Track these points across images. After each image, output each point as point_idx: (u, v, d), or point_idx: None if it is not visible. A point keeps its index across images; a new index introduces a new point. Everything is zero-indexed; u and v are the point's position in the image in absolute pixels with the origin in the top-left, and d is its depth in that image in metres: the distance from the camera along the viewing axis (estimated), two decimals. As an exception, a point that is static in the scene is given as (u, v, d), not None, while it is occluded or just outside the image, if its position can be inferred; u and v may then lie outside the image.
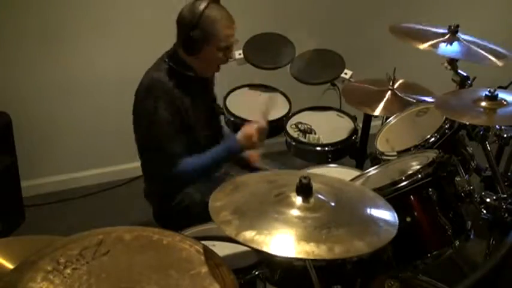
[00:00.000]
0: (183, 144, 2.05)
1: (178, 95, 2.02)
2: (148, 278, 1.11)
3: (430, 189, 1.68)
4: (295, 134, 2.61)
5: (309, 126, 2.65)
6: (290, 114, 2.75)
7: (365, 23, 3.37)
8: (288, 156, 2.68)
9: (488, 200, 1.95)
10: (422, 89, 2.60)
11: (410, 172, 1.71)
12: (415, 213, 1.68)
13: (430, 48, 2.26)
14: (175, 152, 2.02)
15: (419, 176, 1.67)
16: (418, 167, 1.73)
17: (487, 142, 2.10)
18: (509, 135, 2.14)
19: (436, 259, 1.67)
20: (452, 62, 2.34)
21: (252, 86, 2.92)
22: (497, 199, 1.96)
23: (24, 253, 1.17)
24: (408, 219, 1.66)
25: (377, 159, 2.14)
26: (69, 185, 3.12)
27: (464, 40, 2.32)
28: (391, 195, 1.62)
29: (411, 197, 1.68)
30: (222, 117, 2.72)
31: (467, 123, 2.05)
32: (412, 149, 2.05)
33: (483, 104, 1.94)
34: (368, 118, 2.74)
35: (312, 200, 1.33)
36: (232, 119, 2.68)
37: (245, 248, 1.59)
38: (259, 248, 1.20)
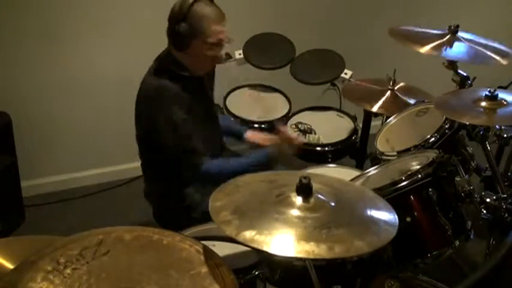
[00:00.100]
0: (203, 141, 2.05)
1: (183, 96, 2.01)
2: (148, 278, 1.11)
3: (430, 189, 1.68)
4: (295, 134, 2.61)
5: (309, 126, 2.65)
6: (290, 114, 2.75)
7: (365, 23, 3.37)
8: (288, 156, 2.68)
9: (488, 200, 1.95)
10: (422, 93, 2.60)
11: (410, 172, 1.71)
12: (415, 213, 1.68)
13: (431, 51, 2.25)
14: (199, 149, 2.02)
15: (419, 176, 1.67)
16: (418, 167, 1.73)
17: (487, 142, 2.10)
18: (509, 135, 2.14)
19: (436, 259, 1.67)
20: (452, 62, 2.35)
21: (252, 86, 2.92)
22: (497, 199, 1.95)
23: (24, 253, 1.17)
24: (408, 219, 1.66)
25: (377, 159, 2.14)
26: (69, 185, 3.12)
27: (466, 40, 2.32)
28: (391, 195, 1.62)
29: (411, 197, 1.68)
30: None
31: (467, 123, 2.05)
32: (412, 149, 2.05)
33: (483, 104, 1.94)
34: (368, 118, 2.74)
35: (312, 200, 1.33)
36: (232, 119, 2.68)
37: (245, 248, 1.59)
38: (260, 247, 1.20)
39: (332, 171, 2.32)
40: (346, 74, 2.82)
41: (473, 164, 2.13)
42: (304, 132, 2.62)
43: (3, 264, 1.23)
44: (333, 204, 1.35)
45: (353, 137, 2.60)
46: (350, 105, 2.67)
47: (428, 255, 1.67)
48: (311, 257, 1.18)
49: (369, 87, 2.64)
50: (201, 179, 2.07)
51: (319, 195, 1.36)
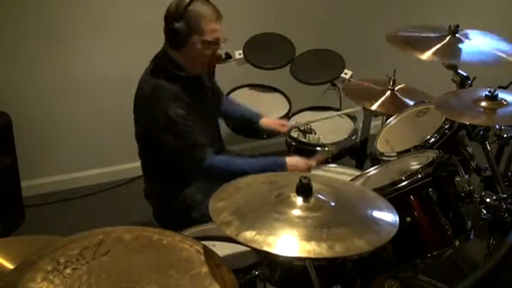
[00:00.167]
0: (204, 134, 2.05)
1: (180, 95, 2.01)
2: (148, 278, 1.11)
3: (430, 189, 1.68)
4: (295, 134, 2.61)
5: (309, 126, 2.65)
6: (290, 114, 2.75)
7: (365, 23, 3.37)
8: (288, 156, 2.68)
9: (488, 200, 1.95)
10: (422, 93, 2.59)
11: (410, 172, 1.71)
12: (415, 213, 1.68)
13: (433, 57, 2.21)
14: (201, 142, 2.02)
15: (419, 176, 1.67)
16: (418, 167, 1.73)
17: (487, 142, 2.09)
18: (509, 135, 2.14)
19: (436, 259, 1.67)
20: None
21: (252, 86, 2.92)
22: (497, 199, 1.95)
23: (24, 253, 1.17)
24: (408, 219, 1.66)
25: (377, 159, 2.14)
26: (69, 185, 3.12)
27: (467, 40, 2.29)
28: (391, 195, 1.62)
29: (411, 197, 1.68)
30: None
31: (467, 123, 2.04)
32: (412, 149, 2.05)
33: (483, 104, 1.94)
34: (368, 118, 2.74)
35: (312, 200, 1.34)
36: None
37: (245, 248, 1.59)
38: (260, 248, 1.20)
39: (332, 171, 2.32)
40: (346, 74, 2.82)
41: (473, 164, 2.13)
42: (304, 132, 2.62)
43: (3, 264, 1.23)
44: (333, 204, 1.36)
45: (353, 137, 2.60)
46: (350, 105, 2.66)
47: (428, 255, 1.67)
48: (312, 256, 1.19)
49: (369, 87, 2.64)
50: (205, 173, 2.06)
51: (319, 195, 1.36)
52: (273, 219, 1.28)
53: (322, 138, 2.58)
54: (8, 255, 1.25)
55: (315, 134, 2.61)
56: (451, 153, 1.80)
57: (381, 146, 2.22)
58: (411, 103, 2.47)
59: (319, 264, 1.50)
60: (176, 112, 1.97)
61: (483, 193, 1.97)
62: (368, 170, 2.00)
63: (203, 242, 1.26)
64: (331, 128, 2.66)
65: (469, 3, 3.57)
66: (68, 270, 1.11)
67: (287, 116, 2.73)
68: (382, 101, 2.52)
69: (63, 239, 1.21)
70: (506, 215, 1.94)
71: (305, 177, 1.34)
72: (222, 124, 2.53)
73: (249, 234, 1.22)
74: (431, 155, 1.78)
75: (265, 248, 1.20)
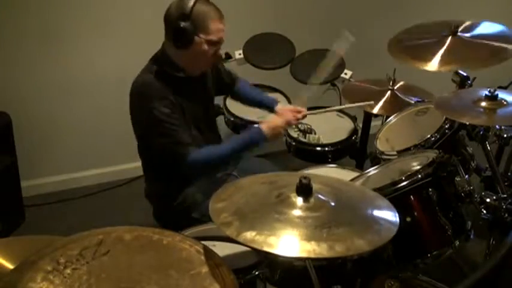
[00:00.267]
0: (189, 133, 2.05)
1: (168, 95, 2.01)
2: (148, 278, 1.11)
3: (430, 189, 1.67)
4: (295, 134, 2.61)
5: (309, 126, 2.65)
6: (290, 114, 2.75)
7: (365, 23, 3.37)
8: (288, 156, 2.68)
9: (488, 200, 1.95)
10: (422, 91, 2.60)
11: (410, 172, 1.71)
12: (415, 213, 1.68)
13: (440, 67, 2.17)
14: (185, 141, 2.01)
15: (419, 176, 1.67)
16: (418, 167, 1.73)
17: (487, 142, 2.09)
18: (509, 135, 2.14)
19: (436, 259, 1.67)
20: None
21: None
22: (497, 199, 1.95)
23: (24, 253, 1.17)
24: (408, 219, 1.65)
25: (377, 159, 2.14)
26: (69, 185, 3.12)
27: (469, 38, 2.27)
28: (391, 195, 1.62)
29: (411, 197, 1.68)
30: (221, 117, 2.72)
31: (467, 123, 2.04)
32: (412, 148, 2.05)
33: (483, 104, 1.94)
34: (368, 118, 2.74)
35: (312, 200, 1.34)
36: (232, 119, 2.68)
37: (245, 248, 1.59)
38: (260, 248, 1.20)
39: (332, 171, 2.32)
40: (346, 74, 2.82)
41: (473, 164, 2.13)
42: (304, 132, 2.62)
43: (3, 264, 1.23)
44: (333, 204, 1.36)
45: (353, 137, 2.60)
46: (349, 103, 2.66)
47: (428, 255, 1.67)
48: (312, 256, 1.18)
49: (369, 88, 2.64)
50: (189, 169, 2.05)
51: (319, 195, 1.36)
52: (273, 220, 1.28)
53: (322, 138, 2.58)
54: (8, 255, 1.25)
55: (315, 134, 2.62)
56: (451, 153, 1.80)
57: (381, 144, 2.22)
58: (411, 100, 2.47)
59: (319, 264, 1.50)
60: (161, 111, 1.98)
61: (483, 193, 1.97)
62: (368, 170, 2.00)
63: (203, 242, 1.26)
64: (331, 128, 2.66)
65: (470, 3, 3.57)
66: (68, 270, 1.11)
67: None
68: (383, 103, 2.52)
69: (63, 239, 1.21)
70: (506, 215, 1.94)
71: (305, 178, 1.34)
72: (222, 124, 2.53)
73: (249, 235, 1.22)
74: (432, 155, 1.78)
75: (266, 249, 1.20)
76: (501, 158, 2.54)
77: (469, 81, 2.34)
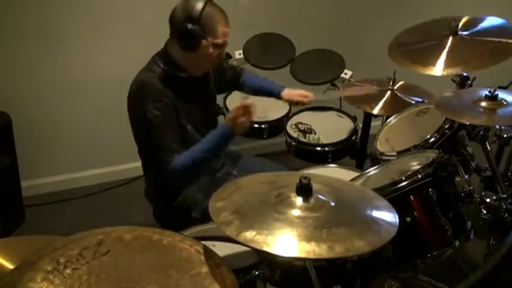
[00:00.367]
0: (178, 140, 2.04)
1: (168, 96, 2.01)
2: (148, 278, 1.11)
3: (430, 189, 1.67)
4: (295, 134, 2.61)
5: (309, 126, 2.65)
6: (290, 114, 2.75)
7: (365, 23, 3.37)
8: (288, 156, 2.68)
9: (488, 200, 1.95)
10: (422, 92, 2.60)
11: (410, 172, 1.71)
12: (415, 213, 1.68)
13: (446, 71, 2.15)
14: (170, 148, 2.01)
15: (419, 176, 1.67)
16: (418, 167, 1.73)
17: (487, 142, 2.09)
18: (509, 135, 2.14)
19: (436, 259, 1.67)
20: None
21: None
22: (497, 199, 1.95)
23: (24, 253, 1.17)
24: (408, 219, 1.65)
25: (377, 159, 2.14)
26: (69, 185, 3.12)
27: (470, 36, 2.25)
28: (391, 195, 1.62)
29: (411, 197, 1.68)
30: (221, 117, 2.72)
31: (467, 123, 2.04)
32: (412, 149, 2.04)
33: (483, 104, 1.94)
34: (368, 118, 2.74)
35: (312, 200, 1.34)
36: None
37: (245, 248, 1.59)
38: (260, 248, 1.20)
39: (332, 171, 2.32)
40: (346, 74, 2.82)
41: (473, 164, 2.12)
42: (304, 132, 2.62)
43: (3, 264, 1.23)
44: (333, 204, 1.35)
45: (353, 137, 2.60)
46: (350, 105, 2.67)
47: (428, 255, 1.67)
48: (312, 256, 1.18)
49: (369, 87, 2.64)
50: (169, 176, 2.05)
51: (319, 195, 1.36)
52: (273, 219, 1.28)
53: (322, 138, 2.58)
54: (8, 255, 1.25)
55: (315, 134, 2.62)
56: (451, 153, 1.80)
57: (381, 145, 2.22)
58: (411, 100, 2.47)
59: (319, 264, 1.50)
60: (153, 113, 1.98)
61: (483, 193, 1.97)
62: (368, 170, 2.00)
63: (203, 242, 1.26)
64: (331, 128, 2.66)
65: (470, 3, 3.56)
66: (68, 270, 1.11)
67: (287, 116, 2.74)
68: (383, 103, 2.52)
69: (63, 239, 1.21)
70: (506, 215, 1.94)
71: (305, 178, 1.34)
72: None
73: (249, 234, 1.22)
74: (432, 155, 1.77)
75: (265, 248, 1.19)
76: (501, 158, 2.54)
77: (469, 81, 2.34)
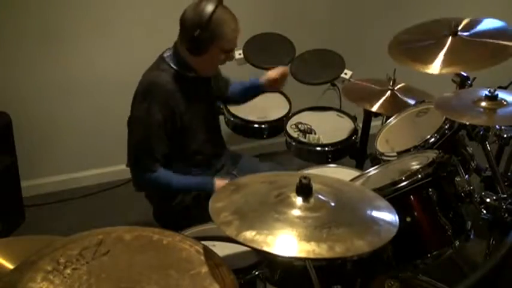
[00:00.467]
0: (167, 148, 2.06)
1: (176, 97, 2.02)
2: (148, 278, 1.11)
3: (430, 189, 1.67)
4: (295, 134, 2.61)
5: (309, 126, 2.65)
6: (290, 114, 2.75)
7: (365, 23, 3.37)
8: (288, 156, 2.68)
9: (488, 200, 1.95)
10: (422, 93, 2.59)
11: (410, 172, 1.71)
12: (415, 213, 1.68)
13: (442, 69, 2.15)
14: (156, 156, 2.04)
15: (419, 176, 1.67)
16: (418, 167, 1.73)
17: (487, 142, 2.09)
18: (509, 135, 2.14)
19: (436, 259, 1.67)
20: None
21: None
22: (497, 199, 1.95)
23: (24, 253, 1.17)
24: (408, 219, 1.65)
25: (377, 159, 2.14)
26: (69, 185, 3.12)
27: (470, 37, 2.25)
28: (391, 195, 1.62)
29: (411, 197, 1.68)
30: (221, 117, 2.72)
31: (467, 123, 2.04)
32: (412, 149, 2.04)
33: (483, 104, 1.93)
34: (368, 118, 2.74)
35: (312, 200, 1.34)
36: (232, 119, 2.68)
37: (245, 248, 1.59)
38: (260, 248, 1.20)
39: (332, 171, 2.32)
40: (346, 74, 2.82)
41: (473, 164, 2.12)
42: (304, 132, 2.62)
43: (3, 264, 1.23)
44: (333, 204, 1.35)
45: (353, 137, 2.60)
46: (350, 105, 2.67)
47: (428, 255, 1.67)
48: (312, 256, 1.18)
49: (369, 87, 2.64)
50: (148, 184, 2.09)
51: (319, 195, 1.36)
52: (273, 219, 1.28)
53: (322, 138, 2.58)
54: (8, 255, 1.25)
55: (315, 134, 2.62)
56: (451, 153, 1.80)
57: (381, 145, 2.22)
58: (411, 102, 2.47)
59: (319, 264, 1.50)
60: (155, 116, 1.99)
61: (483, 193, 1.97)
62: (368, 170, 2.00)
63: (203, 242, 1.26)
64: (331, 128, 2.66)
65: (471, 3, 3.56)
66: (68, 270, 1.11)
67: (287, 116, 2.74)
68: (382, 102, 2.52)
69: (63, 239, 1.21)
70: (506, 215, 1.94)
71: (305, 178, 1.34)
72: (223, 124, 2.53)
73: (249, 234, 1.22)
74: (431, 155, 1.78)
75: (265, 248, 1.19)
76: (501, 158, 2.54)
77: (469, 81, 2.34)
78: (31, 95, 2.88)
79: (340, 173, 2.28)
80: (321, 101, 2.95)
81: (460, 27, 2.29)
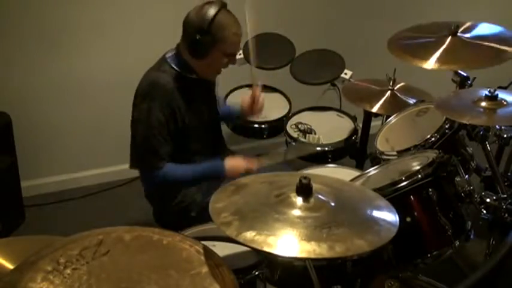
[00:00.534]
0: (171, 147, 2.06)
1: (177, 98, 2.02)
2: (148, 278, 1.11)
3: (430, 189, 1.67)
4: (295, 134, 2.61)
5: (309, 126, 2.65)
6: (290, 114, 2.76)
7: (365, 23, 3.37)
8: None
9: (488, 200, 1.95)
10: (422, 93, 2.59)
11: (410, 172, 1.71)
12: (415, 213, 1.68)
13: (439, 66, 2.15)
14: (162, 155, 2.03)
15: (419, 176, 1.67)
16: (418, 167, 1.73)
17: (487, 142, 2.09)
18: (509, 135, 2.14)
19: (436, 259, 1.67)
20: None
21: (252, 86, 2.91)
22: (497, 199, 1.95)
23: (24, 253, 1.17)
24: (408, 219, 1.66)
25: (377, 159, 2.14)
26: (69, 185, 3.12)
27: (470, 39, 2.26)
28: (391, 195, 1.62)
29: (411, 197, 1.68)
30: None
31: (467, 123, 2.04)
32: (412, 149, 2.05)
33: (483, 104, 1.94)
34: (368, 118, 2.74)
35: (312, 200, 1.34)
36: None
37: (245, 248, 1.59)
38: (260, 248, 1.20)
39: (332, 171, 2.32)
40: (346, 74, 2.82)
41: (473, 164, 2.13)
42: (304, 132, 2.62)
43: (3, 264, 1.23)
44: (333, 204, 1.35)
45: (353, 137, 2.60)
46: (350, 105, 2.67)
47: (428, 255, 1.67)
48: (312, 256, 1.18)
49: (369, 87, 2.64)
50: (159, 181, 2.08)
51: (319, 195, 1.36)
52: (273, 220, 1.28)
53: (322, 138, 2.58)
54: (8, 255, 1.25)
55: (315, 134, 2.62)
56: (451, 153, 1.80)
57: (381, 145, 2.22)
58: (411, 101, 2.47)
59: (319, 264, 1.50)
60: (157, 116, 1.98)
61: (483, 193, 1.97)
62: (368, 170, 2.00)
63: (203, 242, 1.26)
64: (331, 128, 2.66)
65: (471, 3, 3.57)
66: (68, 271, 1.11)
67: (287, 116, 2.74)
68: (383, 103, 2.52)
69: (63, 239, 1.21)
70: (506, 215, 1.94)
71: (305, 178, 1.34)
72: (223, 125, 2.53)
73: (249, 235, 1.22)
74: (431, 155, 1.78)
75: (266, 249, 1.19)
76: (501, 158, 2.54)
77: (469, 81, 2.34)
78: (31, 95, 2.88)
79: (340, 173, 2.28)
80: (321, 101, 2.94)
81: (460, 30, 2.29)
